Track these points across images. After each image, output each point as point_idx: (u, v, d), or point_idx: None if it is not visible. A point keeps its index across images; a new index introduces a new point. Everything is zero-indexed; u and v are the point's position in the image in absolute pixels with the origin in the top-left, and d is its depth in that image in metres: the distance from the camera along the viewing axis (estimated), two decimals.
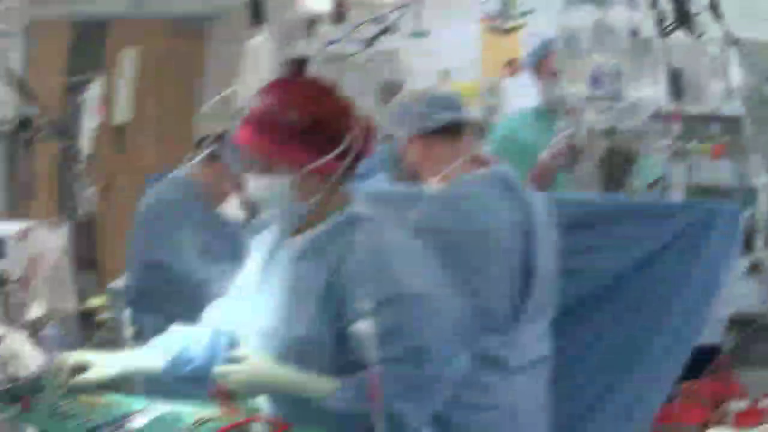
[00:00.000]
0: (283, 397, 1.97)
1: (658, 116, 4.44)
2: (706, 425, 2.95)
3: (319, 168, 1.90)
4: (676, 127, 4.31)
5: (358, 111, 1.98)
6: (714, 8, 2.62)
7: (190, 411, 2.07)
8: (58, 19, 5.30)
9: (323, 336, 1.89)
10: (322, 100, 1.94)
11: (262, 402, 2.05)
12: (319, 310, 1.89)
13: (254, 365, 1.94)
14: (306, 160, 1.90)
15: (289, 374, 1.91)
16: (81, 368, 2.06)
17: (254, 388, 1.98)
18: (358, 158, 1.95)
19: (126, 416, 2.02)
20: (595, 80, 3.31)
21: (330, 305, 1.88)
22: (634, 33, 3.00)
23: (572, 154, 3.17)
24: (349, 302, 1.82)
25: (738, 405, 3.00)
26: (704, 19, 2.73)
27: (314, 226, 1.96)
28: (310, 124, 1.89)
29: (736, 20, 2.80)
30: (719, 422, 2.91)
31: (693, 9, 2.69)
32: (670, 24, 2.73)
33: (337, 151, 1.89)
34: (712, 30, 2.78)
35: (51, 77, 3.53)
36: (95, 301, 3.67)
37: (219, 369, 1.99)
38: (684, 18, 2.66)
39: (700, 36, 2.71)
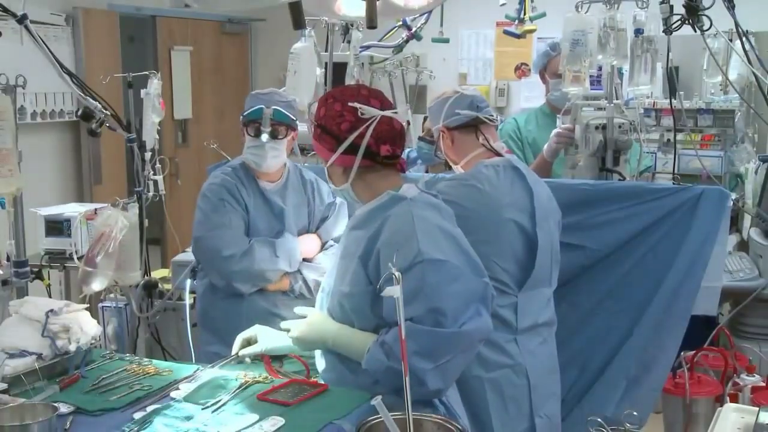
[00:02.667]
0: (331, 360, 1.99)
1: (651, 110, 4.32)
2: (718, 399, 2.78)
3: (339, 161, 1.96)
4: (668, 120, 4.17)
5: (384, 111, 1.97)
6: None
7: (235, 375, 2.00)
8: (109, 16, 5.20)
9: (362, 293, 1.90)
10: (329, 104, 1.97)
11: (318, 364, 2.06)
12: (359, 271, 1.90)
13: (312, 321, 2.01)
14: (326, 155, 1.98)
15: (339, 329, 1.95)
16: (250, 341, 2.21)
17: (310, 341, 2.01)
18: (392, 152, 1.96)
19: (172, 384, 1.94)
20: (596, 81, 3.20)
21: (368, 267, 1.89)
22: (639, 31, 2.84)
23: (569, 141, 3.11)
24: (382, 265, 1.84)
25: (749, 379, 2.82)
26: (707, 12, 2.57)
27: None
28: (318, 127, 1.97)
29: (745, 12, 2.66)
30: (734, 398, 2.75)
31: (703, 2, 2.54)
32: (677, 21, 2.56)
33: (341, 149, 1.93)
34: (719, 23, 2.62)
35: (107, 72, 3.43)
36: (159, 273, 3.60)
37: (283, 323, 2.07)
38: (692, 13, 2.49)
39: (705, 31, 2.54)
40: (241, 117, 2.74)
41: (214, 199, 2.70)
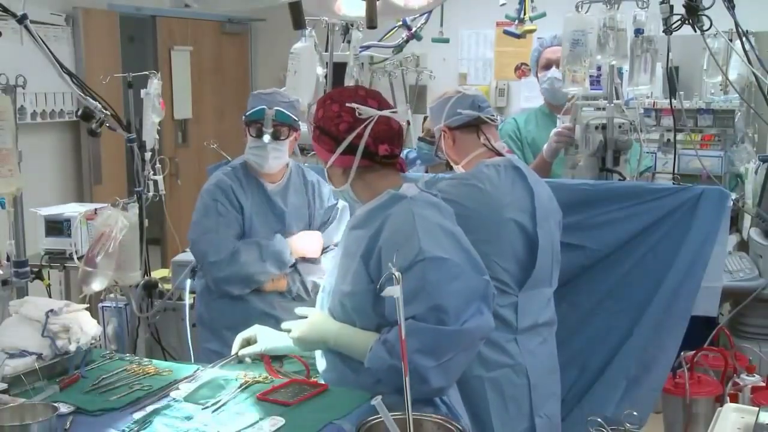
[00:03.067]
0: (332, 360, 1.99)
1: (651, 110, 4.32)
2: (718, 399, 2.78)
3: (339, 161, 1.97)
4: (668, 120, 4.17)
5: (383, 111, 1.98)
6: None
7: (235, 375, 2.00)
8: (109, 16, 5.20)
9: (364, 292, 1.89)
10: (327, 105, 1.98)
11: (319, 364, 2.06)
12: (361, 270, 1.90)
13: (313, 321, 2.01)
14: (325, 156, 2.00)
15: (340, 329, 1.95)
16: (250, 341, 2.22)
17: (311, 341, 2.01)
18: (390, 152, 1.97)
19: (172, 384, 1.94)
20: (596, 81, 3.20)
21: (369, 266, 1.89)
22: (639, 31, 2.84)
23: (569, 140, 3.10)
24: (384, 264, 1.84)
25: (749, 379, 2.82)
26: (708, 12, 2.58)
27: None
28: (317, 128, 1.99)
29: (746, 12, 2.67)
30: (734, 398, 2.75)
31: (703, 2, 2.54)
32: (677, 21, 2.56)
33: (339, 150, 1.94)
34: (719, 23, 2.62)
35: (107, 72, 3.44)
36: (159, 273, 3.60)
37: (284, 324, 2.06)
38: (692, 13, 2.50)
39: (705, 31, 2.54)
40: (243, 117, 2.73)
41: (208, 201, 2.70)
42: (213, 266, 2.65)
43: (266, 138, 2.67)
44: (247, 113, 2.71)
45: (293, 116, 2.73)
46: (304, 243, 2.78)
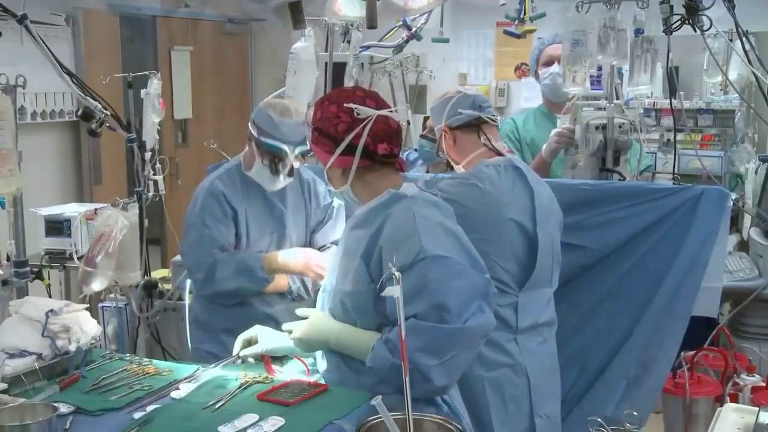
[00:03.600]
0: (334, 360, 1.99)
1: (651, 110, 4.33)
2: (718, 399, 2.78)
3: (338, 162, 1.97)
4: (668, 120, 4.18)
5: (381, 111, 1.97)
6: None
7: (235, 375, 2.00)
8: (109, 16, 5.20)
9: (365, 291, 1.90)
10: (325, 107, 1.98)
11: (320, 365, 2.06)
12: (361, 269, 1.91)
13: (314, 321, 2.01)
14: (324, 158, 2.00)
15: (341, 329, 1.95)
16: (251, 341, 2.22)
17: (313, 341, 2.01)
18: (389, 151, 1.96)
19: (172, 384, 1.94)
20: (596, 81, 3.21)
21: (370, 265, 1.90)
22: (639, 31, 2.85)
23: (570, 141, 3.10)
24: (384, 263, 1.84)
25: (749, 379, 2.82)
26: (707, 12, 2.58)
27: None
28: (315, 130, 1.99)
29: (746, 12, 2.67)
30: (734, 398, 2.75)
31: (703, 2, 2.54)
32: (677, 21, 2.56)
33: (339, 150, 1.94)
34: (719, 23, 2.63)
35: (107, 72, 3.44)
36: (159, 273, 3.60)
37: (285, 325, 2.07)
38: (692, 13, 2.50)
39: (705, 31, 2.54)
40: (257, 136, 2.57)
41: (197, 210, 2.64)
42: (196, 284, 2.66)
43: (282, 177, 2.61)
44: (264, 141, 2.55)
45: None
46: (291, 258, 2.65)
